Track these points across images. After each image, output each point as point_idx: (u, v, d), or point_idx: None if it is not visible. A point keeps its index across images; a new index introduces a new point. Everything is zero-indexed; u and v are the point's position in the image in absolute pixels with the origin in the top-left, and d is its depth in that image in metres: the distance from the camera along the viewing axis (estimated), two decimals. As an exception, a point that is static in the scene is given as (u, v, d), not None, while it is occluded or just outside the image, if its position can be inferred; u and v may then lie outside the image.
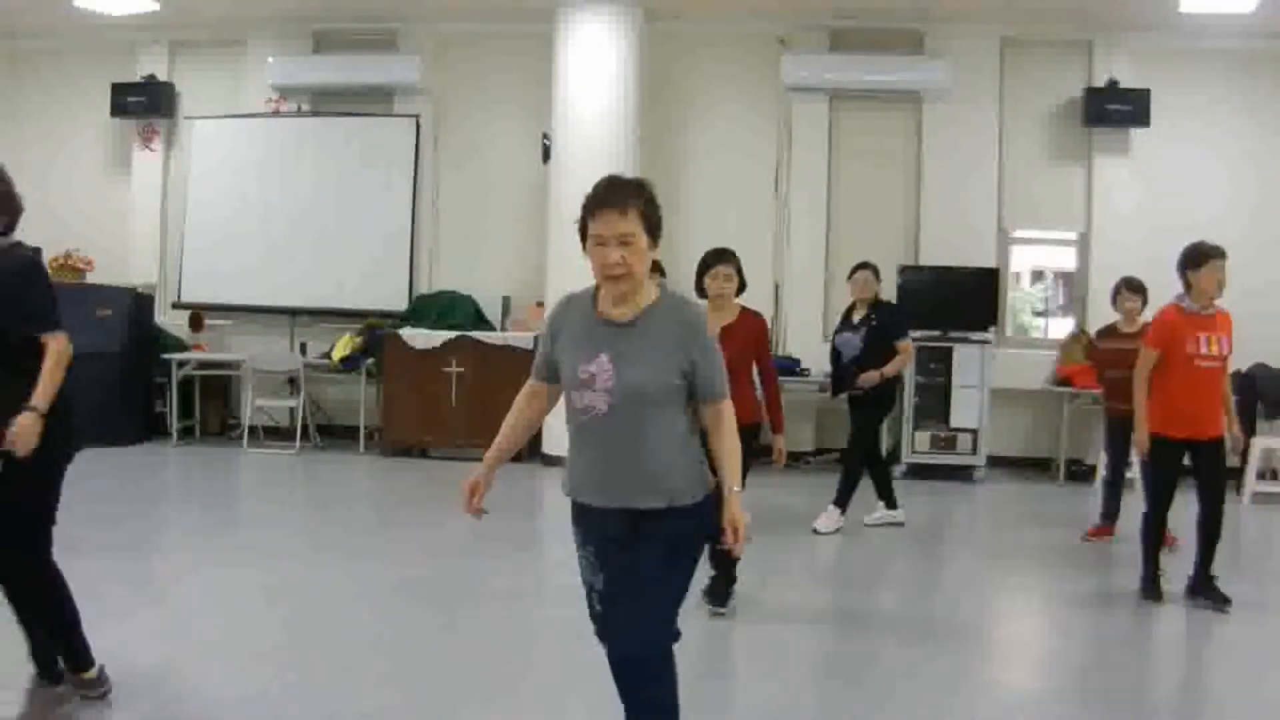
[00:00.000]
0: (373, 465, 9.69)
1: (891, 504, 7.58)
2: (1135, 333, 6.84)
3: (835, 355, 7.56)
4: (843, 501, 7.30)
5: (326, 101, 10.83)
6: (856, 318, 7.45)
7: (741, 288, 5.50)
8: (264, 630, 4.93)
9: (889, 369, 7.22)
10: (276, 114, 10.84)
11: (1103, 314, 9.85)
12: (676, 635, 3.01)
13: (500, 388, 9.71)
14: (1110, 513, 7.34)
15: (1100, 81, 9.82)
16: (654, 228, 2.97)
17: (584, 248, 3.01)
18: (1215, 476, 5.64)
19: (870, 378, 7.18)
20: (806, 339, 10.15)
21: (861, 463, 7.41)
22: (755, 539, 7.09)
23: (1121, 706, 4.28)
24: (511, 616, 5.32)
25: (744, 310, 5.51)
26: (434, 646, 4.85)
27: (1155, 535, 5.77)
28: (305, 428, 10.12)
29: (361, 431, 10.18)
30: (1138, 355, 5.80)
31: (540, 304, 9.85)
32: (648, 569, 2.92)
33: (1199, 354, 5.52)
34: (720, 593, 5.32)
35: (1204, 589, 5.61)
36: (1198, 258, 5.57)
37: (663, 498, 2.91)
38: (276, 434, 10.40)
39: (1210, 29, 9.46)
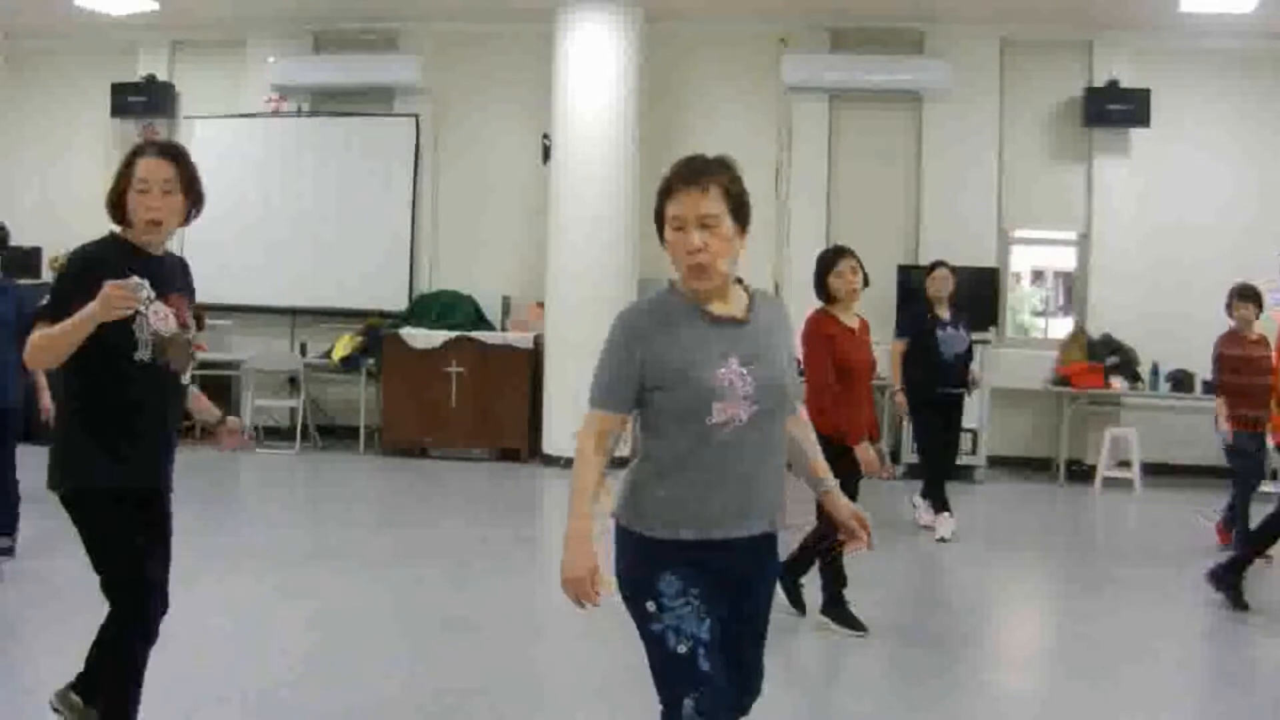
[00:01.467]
0: (373, 465, 9.69)
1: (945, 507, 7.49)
2: (1257, 339, 6.69)
3: (933, 352, 7.21)
4: (943, 502, 7.26)
5: (326, 101, 10.82)
6: (944, 315, 7.28)
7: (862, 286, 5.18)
8: (265, 630, 4.93)
9: (976, 366, 7.39)
10: (276, 114, 10.84)
11: (1103, 314, 9.90)
12: None
13: (500, 388, 9.79)
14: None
15: (1100, 81, 9.81)
16: (741, 211, 2.60)
17: (660, 238, 2.61)
18: None
19: (980, 376, 7.28)
20: (806, 339, 10.14)
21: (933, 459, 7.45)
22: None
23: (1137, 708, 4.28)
24: (512, 616, 5.32)
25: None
26: (436, 646, 4.85)
27: None
28: (305, 428, 10.12)
29: (361, 431, 10.18)
30: (1268, 361, 5.80)
31: (540, 304, 9.85)
32: (767, 607, 2.62)
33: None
34: (841, 612, 5.07)
35: None
36: None
37: (779, 519, 2.59)
38: (277, 434, 10.40)
39: (1210, 29, 9.46)
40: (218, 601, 5.35)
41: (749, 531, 2.50)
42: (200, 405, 3.43)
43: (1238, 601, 5.56)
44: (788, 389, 2.55)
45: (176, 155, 3.18)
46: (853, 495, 4.80)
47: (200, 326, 11.82)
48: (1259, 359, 6.42)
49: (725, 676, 2.43)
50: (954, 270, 7.39)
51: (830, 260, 5.17)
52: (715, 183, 2.59)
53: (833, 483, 2.72)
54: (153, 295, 3.08)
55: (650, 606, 2.43)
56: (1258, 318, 6.83)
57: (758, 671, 2.63)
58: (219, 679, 4.20)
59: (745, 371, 2.46)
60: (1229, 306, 6.88)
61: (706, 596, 2.45)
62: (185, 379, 3.20)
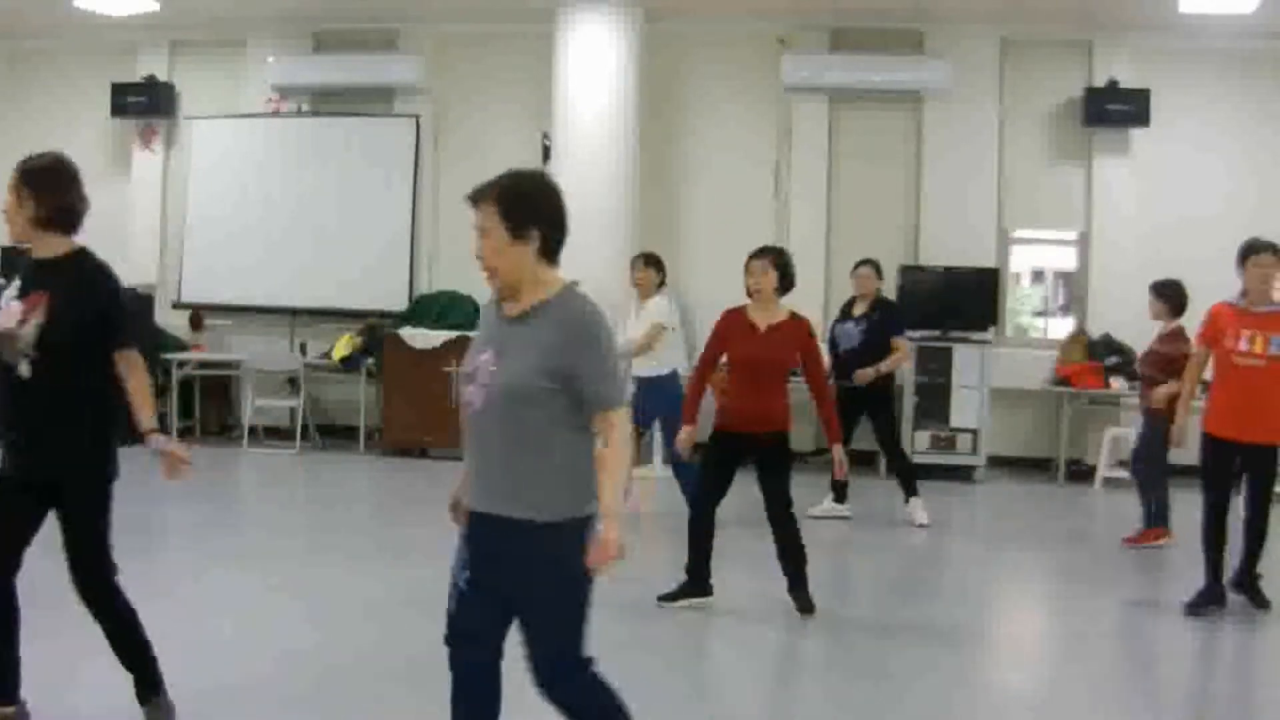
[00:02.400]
0: (373, 465, 9.69)
1: (841, 499, 7.75)
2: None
3: (833, 345, 7.70)
4: (913, 491, 7.57)
5: (326, 101, 10.82)
6: (857, 312, 7.66)
7: (786, 287, 5.39)
8: (266, 630, 4.92)
9: (885, 365, 7.39)
10: (276, 114, 10.84)
11: (1103, 314, 9.89)
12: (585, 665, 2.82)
13: (500, 388, 9.77)
14: None
15: (1100, 81, 9.81)
16: (515, 221, 2.80)
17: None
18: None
19: (866, 374, 7.34)
20: (806, 339, 10.14)
21: (903, 455, 7.78)
22: (753, 540, 7.07)
23: (1136, 706, 4.28)
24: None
25: (792, 312, 5.42)
26: (436, 647, 4.85)
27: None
28: (305, 428, 10.12)
29: (361, 431, 10.18)
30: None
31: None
32: (540, 598, 2.80)
33: (1237, 350, 5.39)
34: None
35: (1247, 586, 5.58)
36: (1242, 253, 5.51)
37: (527, 509, 2.72)
38: (276, 434, 10.39)
39: (1210, 29, 9.46)
40: (217, 601, 5.36)
41: (493, 510, 2.76)
42: (136, 406, 3.61)
43: (1260, 601, 5.54)
44: (517, 387, 2.70)
45: (20, 169, 3.61)
46: (779, 486, 5.20)
47: (199, 327, 11.83)
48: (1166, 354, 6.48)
49: (481, 628, 2.84)
50: (879, 270, 7.81)
51: (747, 260, 5.44)
52: (487, 200, 2.84)
53: (605, 501, 2.76)
54: (13, 295, 3.39)
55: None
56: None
57: (546, 664, 2.77)
58: (217, 678, 4.19)
59: (493, 364, 2.75)
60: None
61: (469, 555, 2.83)
62: (22, 371, 3.35)
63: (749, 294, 5.38)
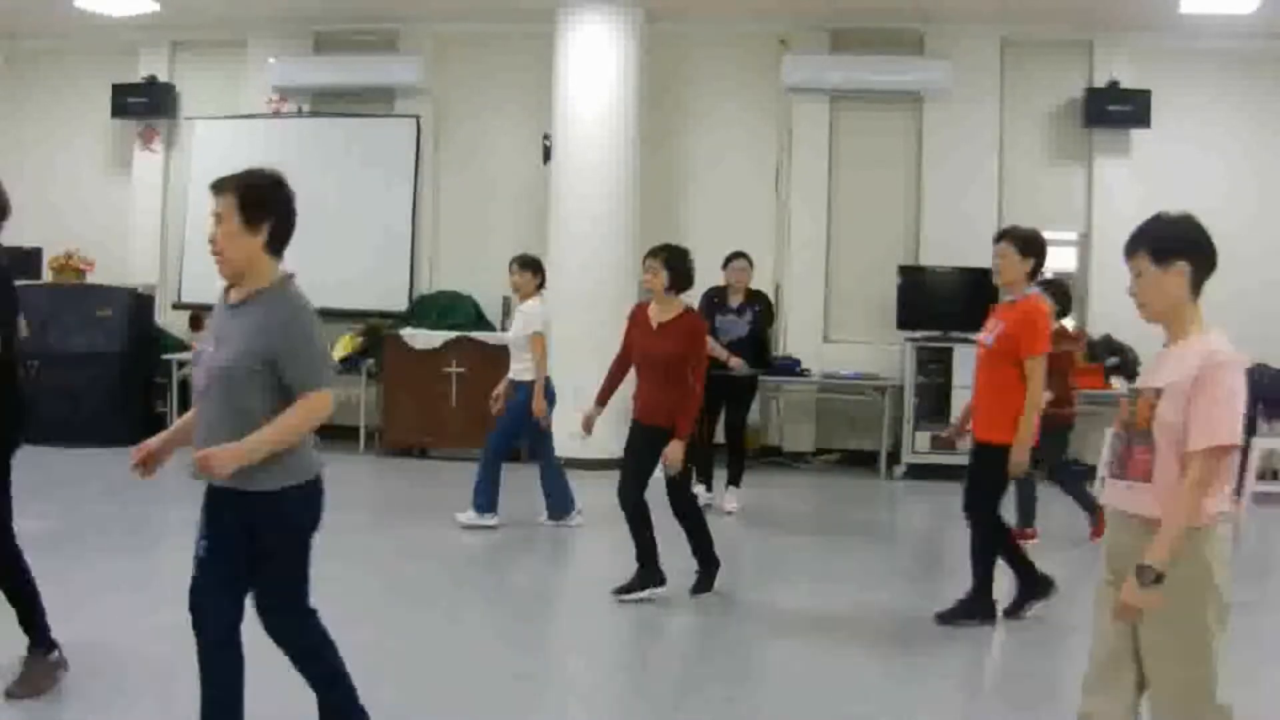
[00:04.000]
0: (373, 465, 9.69)
1: (709, 486, 7.95)
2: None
3: (714, 336, 7.77)
4: (737, 482, 7.89)
5: (327, 102, 10.83)
6: (734, 303, 7.87)
7: (679, 285, 5.44)
8: (261, 628, 4.91)
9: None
10: (277, 115, 10.85)
11: (1103, 314, 9.89)
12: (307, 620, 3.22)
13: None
14: None
15: (1100, 82, 9.82)
16: (250, 212, 3.05)
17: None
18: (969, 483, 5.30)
19: (740, 363, 7.63)
20: (807, 339, 10.15)
21: (744, 446, 8.07)
22: (753, 539, 7.05)
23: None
24: (511, 617, 5.32)
25: (685, 310, 5.49)
26: (434, 647, 4.85)
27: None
28: (305, 428, 10.10)
29: (361, 431, 10.17)
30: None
31: (540, 304, 9.85)
32: (265, 552, 3.10)
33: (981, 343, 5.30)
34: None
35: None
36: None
37: (248, 481, 2.98)
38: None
39: (1210, 29, 9.46)
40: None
41: (222, 483, 3.00)
42: None
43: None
44: (231, 370, 2.98)
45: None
46: (642, 475, 5.33)
47: (199, 327, 11.85)
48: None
49: (220, 594, 3.11)
50: (751, 262, 7.99)
51: (643, 257, 5.64)
52: (228, 190, 3.07)
53: (238, 448, 2.96)
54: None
55: None
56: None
57: (274, 613, 3.16)
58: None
59: (211, 348, 3.05)
60: None
61: (206, 524, 3.13)
62: None
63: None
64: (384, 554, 6.51)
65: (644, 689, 4.47)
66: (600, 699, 4.35)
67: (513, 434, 7.16)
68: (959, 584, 6.21)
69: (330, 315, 10.73)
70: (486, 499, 7.01)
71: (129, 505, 7.68)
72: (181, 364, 10.35)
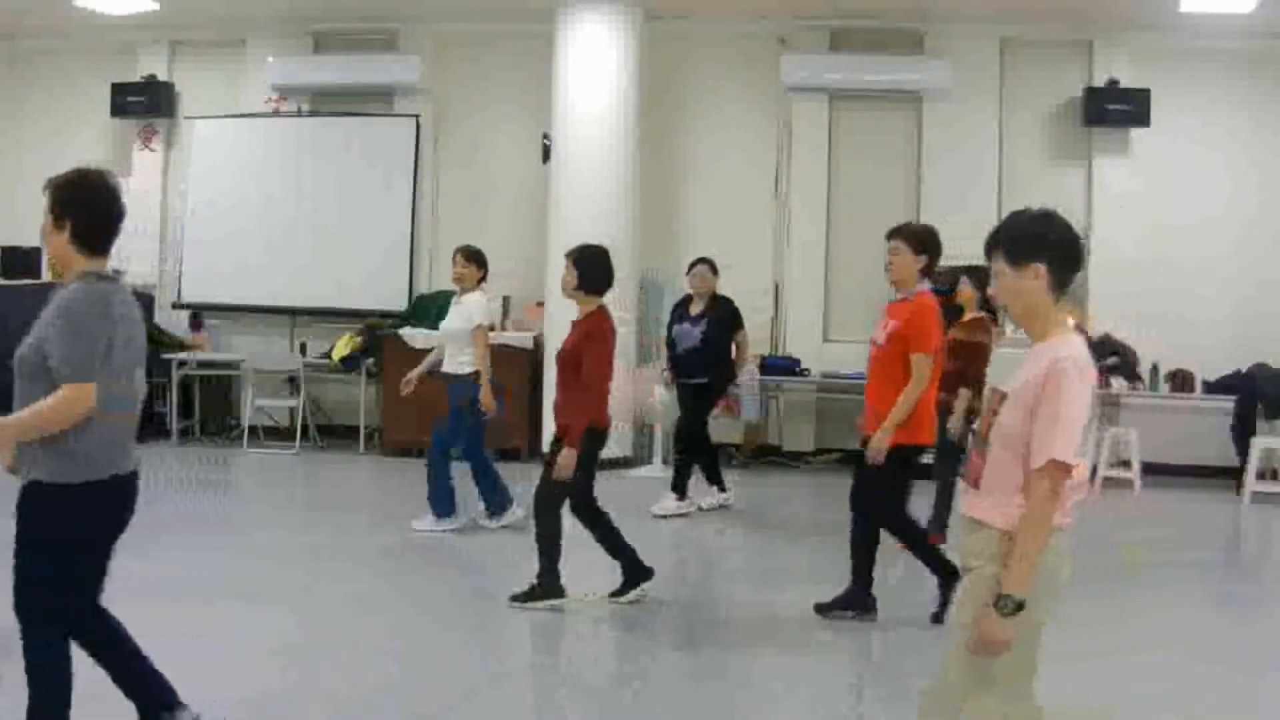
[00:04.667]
0: (372, 465, 9.69)
1: (722, 487, 7.87)
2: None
3: (671, 345, 7.86)
4: (680, 488, 7.65)
5: (326, 101, 10.82)
6: (694, 311, 7.77)
7: (590, 284, 5.31)
8: (265, 630, 4.92)
9: (742, 372, 7.81)
10: (276, 114, 10.84)
11: (1103, 314, 9.88)
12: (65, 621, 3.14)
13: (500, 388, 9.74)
14: None
15: (1100, 81, 9.81)
16: (57, 210, 3.16)
17: None
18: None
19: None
20: (807, 339, 10.15)
21: (699, 449, 7.78)
22: (752, 538, 7.04)
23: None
24: (511, 615, 5.32)
25: (596, 310, 5.34)
26: (434, 647, 4.85)
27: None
28: (305, 428, 10.12)
29: (361, 431, 10.17)
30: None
31: (540, 304, 9.85)
32: (20, 540, 3.10)
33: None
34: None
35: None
36: None
37: (27, 468, 3.07)
38: (276, 434, 10.39)
39: (1210, 29, 9.45)
40: (215, 600, 5.35)
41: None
42: None
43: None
44: (24, 360, 3.06)
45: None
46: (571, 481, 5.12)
47: (199, 327, 11.82)
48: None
49: None
50: (715, 268, 7.83)
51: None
52: (45, 188, 3.23)
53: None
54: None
55: None
56: None
57: (16, 605, 3.09)
58: (214, 677, 4.19)
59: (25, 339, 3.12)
60: None
61: None
62: None
63: None
64: (385, 553, 6.50)
65: (642, 688, 4.47)
66: (596, 697, 4.35)
67: (472, 426, 7.01)
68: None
69: (330, 315, 10.89)
70: (447, 504, 6.92)
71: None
72: (181, 364, 10.36)
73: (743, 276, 9.24)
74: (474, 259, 7.00)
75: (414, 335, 9.81)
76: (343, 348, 10.25)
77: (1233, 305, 9.59)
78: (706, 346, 7.66)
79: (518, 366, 9.70)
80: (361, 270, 10.57)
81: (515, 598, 5.28)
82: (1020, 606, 2.48)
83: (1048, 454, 2.51)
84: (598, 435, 5.23)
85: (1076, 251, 2.76)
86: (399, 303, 10.45)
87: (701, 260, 7.87)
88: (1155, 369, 9.55)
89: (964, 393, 6.36)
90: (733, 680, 4.51)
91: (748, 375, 8.95)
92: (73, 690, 3.12)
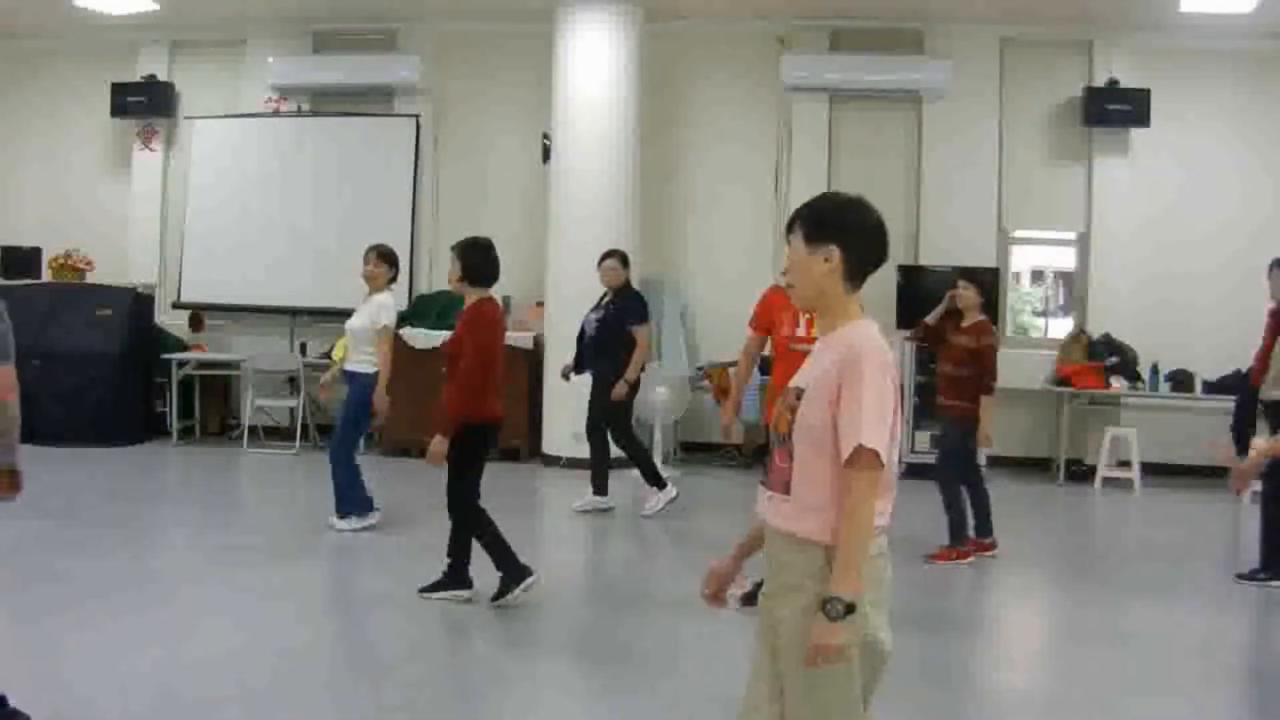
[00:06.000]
0: (372, 465, 9.66)
1: (603, 491, 7.70)
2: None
3: (581, 334, 7.77)
4: (600, 487, 7.60)
5: (326, 101, 10.82)
6: (604, 302, 7.72)
7: (472, 276, 5.36)
8: (265, 630, 4.92)
9: (629, 373, 7.44)
10: (276, 114, 10.84)
11: (1103, 314, 9.89)
12: None
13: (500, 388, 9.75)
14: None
15: (1100, 81, 9.81)
16: None
17: None
18: None
19: (619, 392, 7.42)
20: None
21: (604, 448, 7.62)
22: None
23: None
24: (511, 615, 5.32)
25: (479, 300, 5.38)
26: (433, 647, 4.85)
27: None
28: (305, 428, 10.12)
29: (361, 431, 10.16)
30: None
31: (540, 304, 9.86)
32: None
33: (793, 337, 5.22)
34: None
35: None
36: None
37: None
38: (276, 434, 10.39)
39: (1210, 29, 9.46)
40: (216, 600, 5.35)
41: None
42: None
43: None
44: None
45: None
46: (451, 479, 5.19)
47: (198, 327, 11.82)
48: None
49: None
50: (625, 261, 7.72)
51: None
52: None
53: None
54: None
55: None
56: None
57: None
58: (214, 676, 4.19)
59: None
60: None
61: None
62: None
63: None
64: (384, 554, 6.50)
65: (640, 687, 4.47)
66: (589, 697, 4.35)
67: (357, 425, 6.99)
68: (950, 583, 6.23)
69: (330, 315, 10.88)
70: (359, 500, 6.89)
71: (129, 505, 7.69)
72: (181, 364, 10.36)
73: (743, 276, 9.25)
74: (386, 259, 6.97)
75: (414, 335, 9.83)
76: (343, 348, 10.23)
77: (1233, 305, 9.57)
78: (600, 336, 7.56)
79: (518, 367, 9.71)
80: (362, 270, 10.53)
81: (424, 590, 5.34)
82: (851, 608, 2.25)
83: (855, 439, 2.29)
84: (478, 430, 5.20)
85: (879, 244, 2.60)
86: (399, 303, 10.41)
87: (611, 253, 7.75)
88: (1155, 369, 9.56)
89: (987, 400, 6.37)
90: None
91: (654, 373, 8.80)
92: None
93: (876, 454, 2.30)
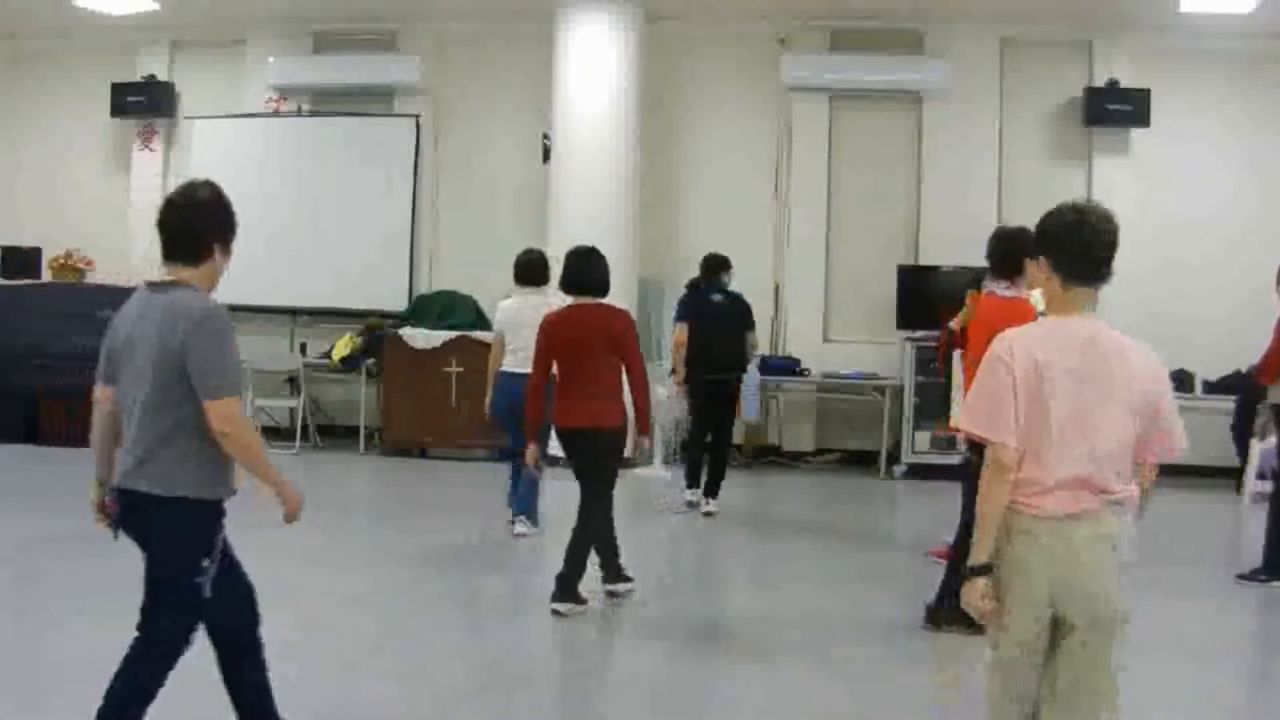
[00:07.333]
0: (373, 465, 9.69)
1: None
2: None
3: None
4: (698, 484, 7.70)
5: (326, 101, 10.82)
6: None
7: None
8: (264, 629, 4.91)
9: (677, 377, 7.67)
10: (276, 114, 10.85)
11: (1103, 314, 9.87)
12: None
13: (500, 388, 9.73)
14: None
15: (1100, 81, 9.82)
16: None
17: None
18: None
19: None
20: (806, 339, 10.15)
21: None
22: (751, 539, 7.03)
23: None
24: (511, 615, 5.32)
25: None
26: (432, 646, 4.85)
27: None
28: (305, 428, 10.12)
29: (361, 431, 10.17)
30: None
31: (540, 304, 9.85)
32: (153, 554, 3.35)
33: None
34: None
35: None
36: None
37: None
38: (276, 434, 10.38)
39: (1210, 29, 9.46)
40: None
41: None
42: None
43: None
44: None
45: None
46: None
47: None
48: None
49: None
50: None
51: None
52: None
53: None
54: None
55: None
56: None
57: None
58: (213, 675, 4.19)
59: None
60: None
61: None
62: None
63: None
64: (385, 553, 6.50)
65: (638, 691, 4.47)
66: (585, 700, 4.35)
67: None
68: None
69: (330, 315, 10.89)
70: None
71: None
72: (181, 364, 10.35)
73: (743, 276, 9.23)
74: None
75: (414, 335, 9.83)
76: (343, 348, 10.26)
77: (1233, 305, 9.57)
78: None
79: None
80: (361, 270, 10.56)
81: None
82: (972, 571, 2.63)
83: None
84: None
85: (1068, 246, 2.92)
86: (399, 302, 10.45)
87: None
88: (1155, 369, 9.54)
89: None
90: (718, 680, 4.52)
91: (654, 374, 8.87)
92: None
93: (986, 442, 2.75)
